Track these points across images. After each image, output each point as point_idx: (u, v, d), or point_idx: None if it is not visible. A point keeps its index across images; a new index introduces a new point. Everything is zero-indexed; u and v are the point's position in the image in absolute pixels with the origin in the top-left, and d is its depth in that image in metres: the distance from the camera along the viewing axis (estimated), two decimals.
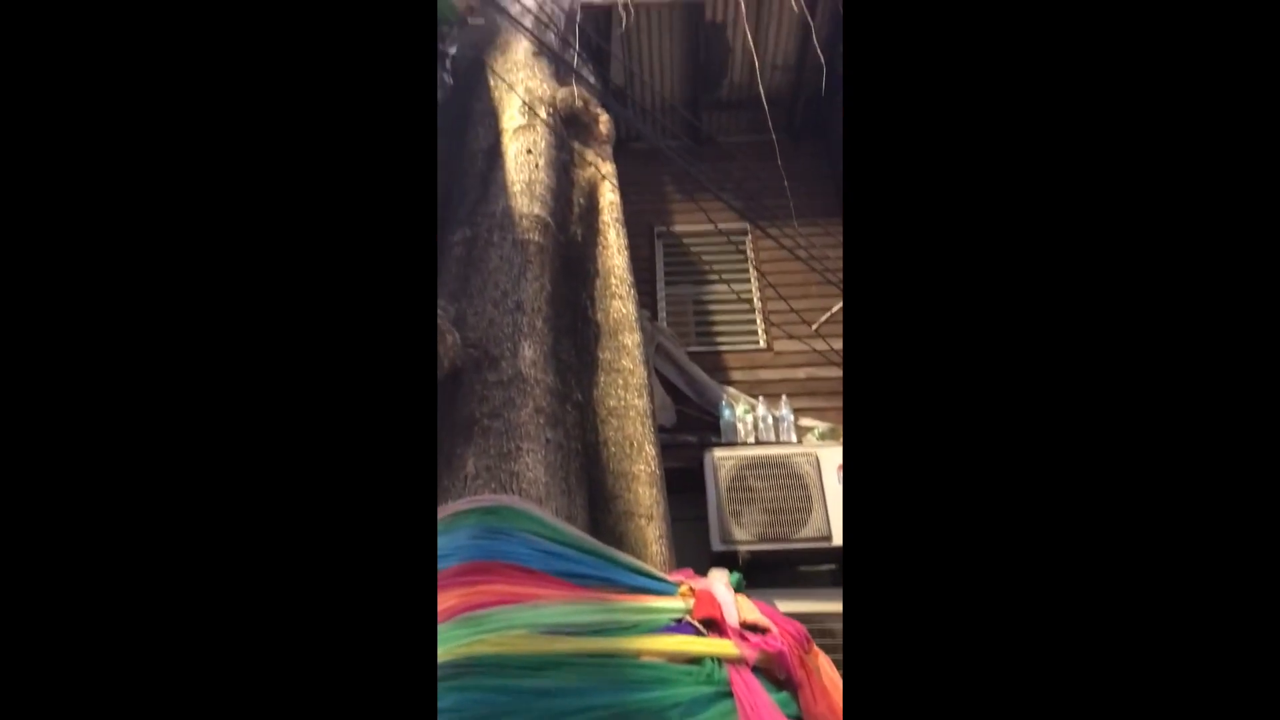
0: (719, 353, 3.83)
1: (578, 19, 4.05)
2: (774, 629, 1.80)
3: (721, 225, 3.87)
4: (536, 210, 2.83)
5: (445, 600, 1.50)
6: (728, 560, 2.72)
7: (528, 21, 3.32)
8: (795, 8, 3.99)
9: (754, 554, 2.83)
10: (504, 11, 3.12)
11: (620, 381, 2.61)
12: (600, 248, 3.08)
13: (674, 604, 1.81)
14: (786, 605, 2.14)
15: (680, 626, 1.76)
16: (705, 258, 4.18)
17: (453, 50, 3.83)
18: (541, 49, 3.35)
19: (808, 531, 2.84)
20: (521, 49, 3.46)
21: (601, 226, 3.16)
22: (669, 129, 4.58)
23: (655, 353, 3.55)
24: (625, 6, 4.09)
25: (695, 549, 2.79)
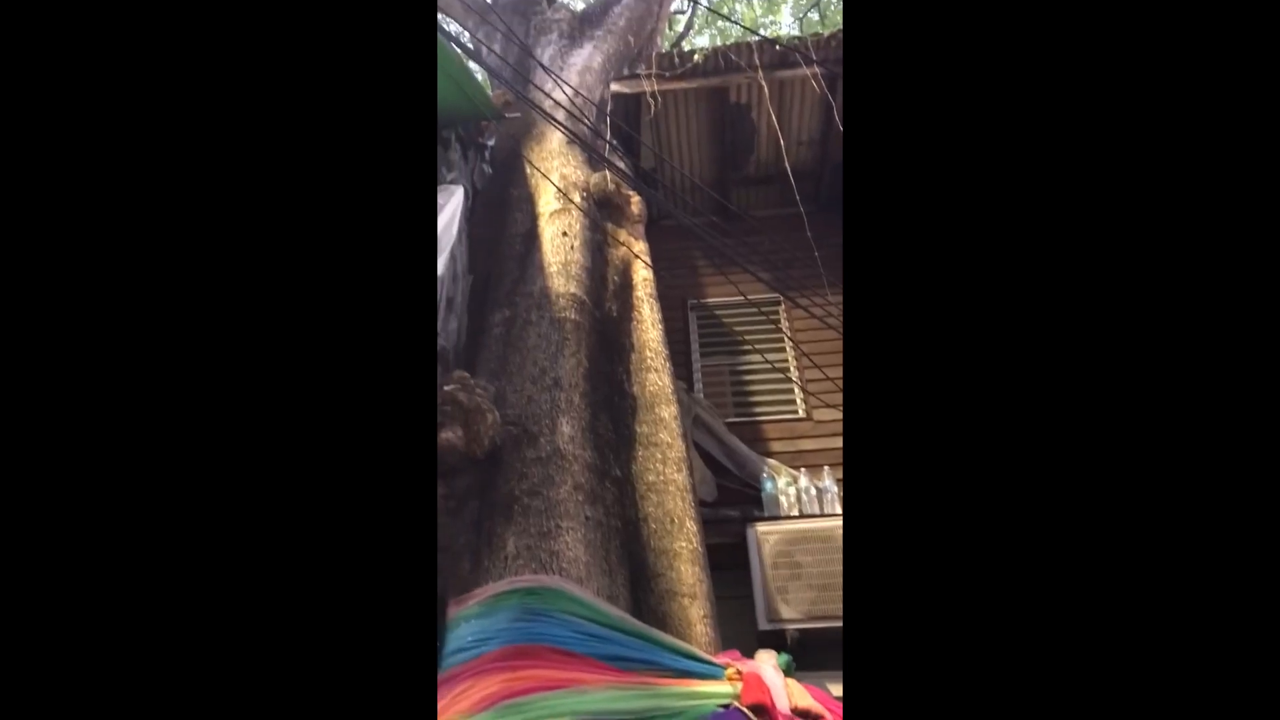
0: (758, 423, 3.80)
1: (608, 109, 4.27)
2: (828, 715, 1.71)
3: (752, 296, 3.91)
4: (573, 289, 2.91)
5: (487, 686, 1.48)
6: (775, 640, 2.62)
7: (560, 114, 3.50)
8: (816, 88, 4.14)
9: (803, 633, 2.72)
10: (537, 105, 3.30)
11: (659, 455, 2.61)
12: (635, 322, 3.14)
13: (721, 688, 1.74)
14: (840, 690, 2.03)
15: (728, 713, 1.69)
16: (739, 328, 4.21)
17: (491, 142, 4.06)
18: (574, 138, 3.52)
19: None
20: (555, 139, 3.65)
21: (635, 302, 3.23)
22: (698, 207, 4.71)
23: (693, 425, 3.54)
24: (653, 94, 4.30)
25: (741, 628, 2.70)
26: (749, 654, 1.92)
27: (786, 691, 1.74)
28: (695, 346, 4.19)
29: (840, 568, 2.84)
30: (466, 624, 1.66)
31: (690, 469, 2.66)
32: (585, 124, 3.63)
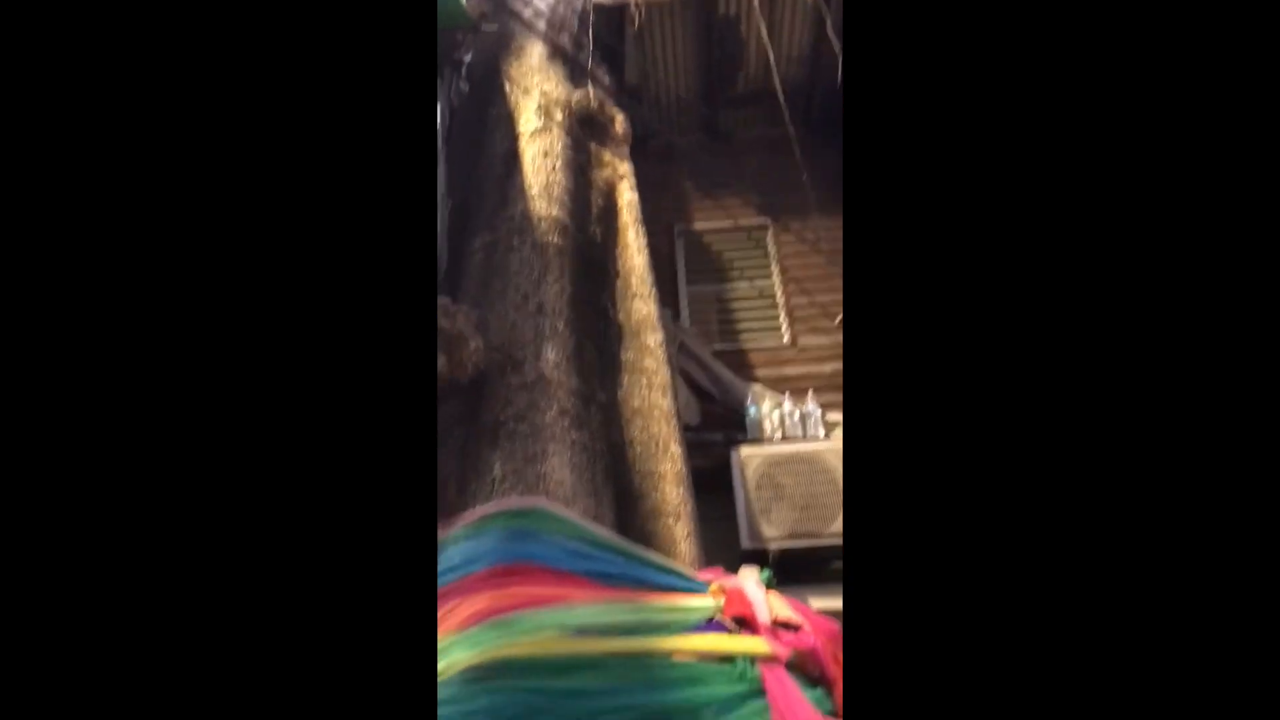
0: (743, 350, 3.81)
1: (590, 21, 4.06)
2: (806, 626, 1.78)
3: (741, 221, 3.85)
4: (555, 213, 2.84)
5: (476, 604, 1.51)
6: (758, 558, 2.70)
7: (541, 25, 3.33)
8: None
9: (784, 551, 2.80)
10: (517, 16, 3.13)
11: (644, 381, 2.61)
12: (620, 248, 3.08)
13: (705, 602, 1.80)
14: (819, 602, 2.11)
15: (712, 625, 1.75)
16: (726, 254, 4.16)
17: (468, 57, 3.86)
18: (555, 52, 3.35)
19: (838, 526, 2.81)
20: (536, 53, 3.47)
21: (620, 226, 3.16)
22: (685, 126, 4.56)
23: (679, 351, 3.53)
24: (638, 6, 4.08)
25: (724, 549, 2.77)
26: (732, 571, 1.98)
27: (768, 604, 1.80)
28: (682, 273, 4.14)
29: (823, 488, 2.91)
30: (455, 546, 1.68)
31: (675, 394, 2.67)
32: (567, 36, 3.46)
